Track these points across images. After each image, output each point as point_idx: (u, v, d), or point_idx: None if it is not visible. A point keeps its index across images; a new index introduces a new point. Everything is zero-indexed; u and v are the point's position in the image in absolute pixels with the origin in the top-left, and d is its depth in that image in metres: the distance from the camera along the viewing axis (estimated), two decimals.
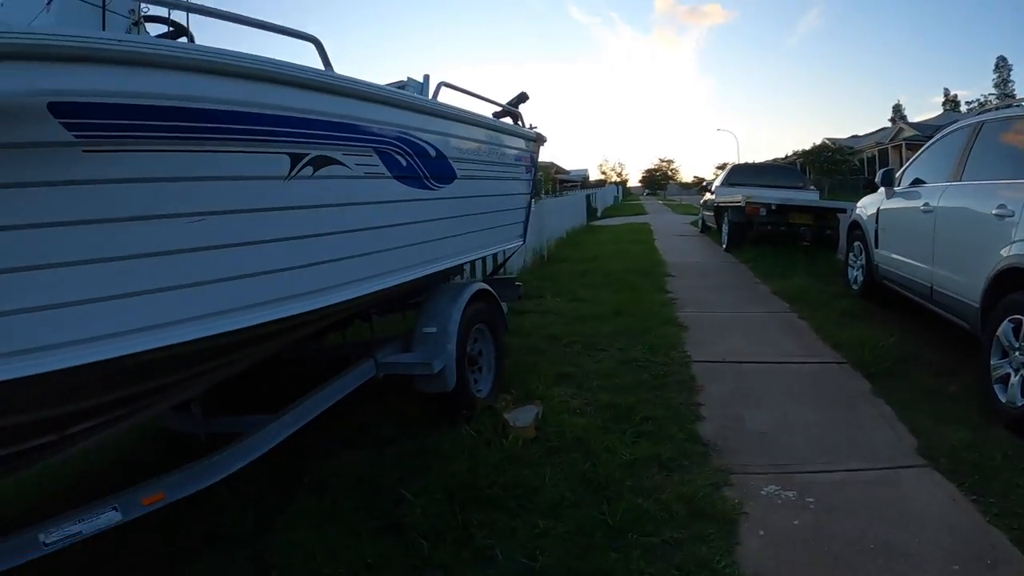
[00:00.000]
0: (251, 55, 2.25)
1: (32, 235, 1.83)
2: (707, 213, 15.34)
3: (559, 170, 42.80)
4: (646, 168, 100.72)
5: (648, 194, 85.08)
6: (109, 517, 2.23)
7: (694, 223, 19.34)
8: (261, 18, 2.39)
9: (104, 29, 2.76)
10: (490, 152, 4.36)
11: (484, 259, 6.04)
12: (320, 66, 2.65)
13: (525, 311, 6.83)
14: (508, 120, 5.03)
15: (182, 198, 2.13)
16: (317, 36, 2.59)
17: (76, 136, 1.85)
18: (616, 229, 18.59)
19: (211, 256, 2.20)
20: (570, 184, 48.85)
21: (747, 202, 10.90)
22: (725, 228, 12.18)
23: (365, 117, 2.84)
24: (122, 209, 2.01)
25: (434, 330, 3.60)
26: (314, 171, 2.52)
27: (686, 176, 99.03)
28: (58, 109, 1.79)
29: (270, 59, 2.32)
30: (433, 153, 3.43)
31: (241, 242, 2.32)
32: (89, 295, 1.93)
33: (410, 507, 2.86)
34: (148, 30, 3.18)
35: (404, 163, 3.14)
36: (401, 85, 4.99)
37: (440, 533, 2.67)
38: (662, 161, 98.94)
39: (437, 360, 3.47)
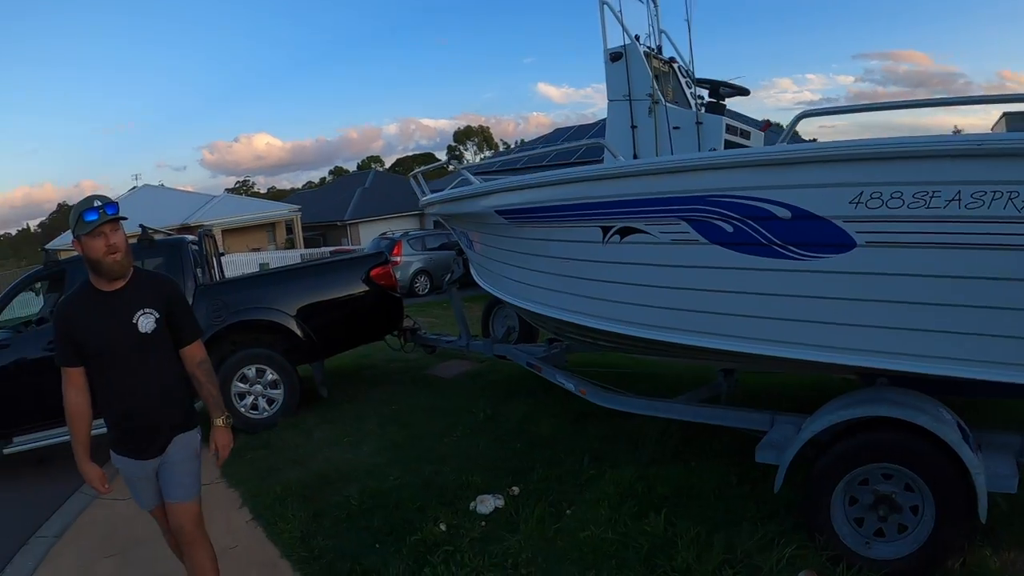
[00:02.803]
0: (574, 171, 3.64)
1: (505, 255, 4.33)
2: None
3: None
4: None
5: None
6: (568, 386, 4.63)
7: None
8: None
9: (632, 114, 4.45)
10: (976, 201, 2.46)
11: None
12: None
13: None
14: None
15: (544, 247, 3.98)
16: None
17: (508, 221, 4.12)
18: None
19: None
20: None
21: None
22: None
23: (661, 191, 3.18)
24: (518, 248, 4.25)
25: (808, 424, 3.12)
26: (621, 238, 3.40)
27: None
28: (498, 213, 4.15)
29: (579, 169, 3.60)
30: (785, 215, 2.82)
31: (569, 275, 3.92)
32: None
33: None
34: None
35: (729, 229, 3.00)
36: None
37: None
38: None
39: (765, 452, 3.23)
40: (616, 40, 4.72)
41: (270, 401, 6.42)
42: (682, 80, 5.17)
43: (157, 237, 6.55)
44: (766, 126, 4.78)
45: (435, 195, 5.59)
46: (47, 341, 5.72)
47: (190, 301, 6.17)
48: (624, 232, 3.43)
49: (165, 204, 34.37)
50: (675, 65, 5.15)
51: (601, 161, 4.55)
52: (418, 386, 7.24)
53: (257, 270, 21.37)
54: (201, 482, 2.99)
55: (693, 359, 4.12)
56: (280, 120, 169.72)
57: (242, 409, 6.30)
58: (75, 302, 2.82)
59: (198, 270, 6.46)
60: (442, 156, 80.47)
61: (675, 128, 4.74)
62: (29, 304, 6.83)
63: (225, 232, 32.19)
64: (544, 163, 13.11)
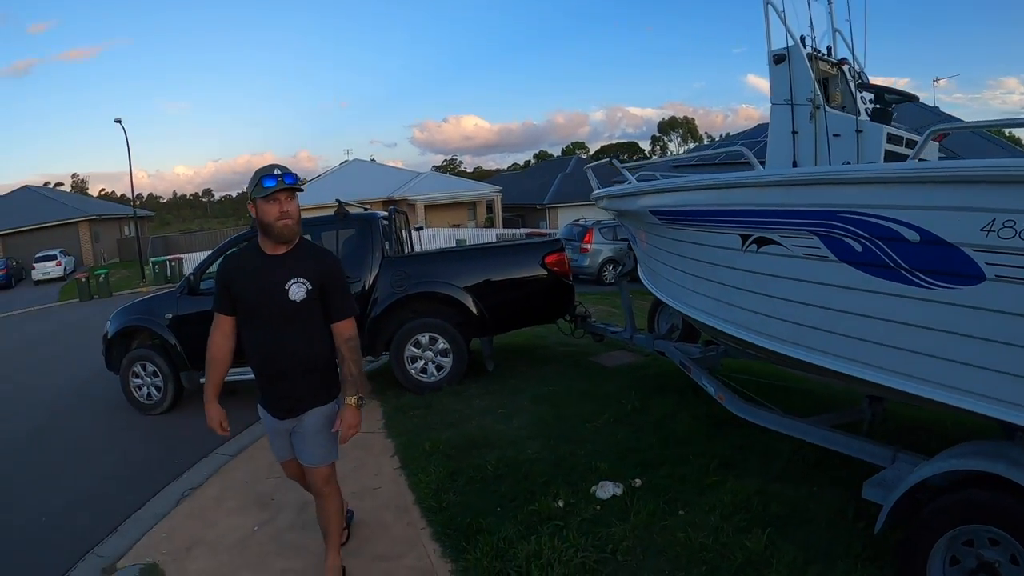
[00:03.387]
0: (717, 177, 3.65)
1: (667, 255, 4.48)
2: None
3: None
4: None
5: None
6: (709, 389, 4.65)
7: None
8: None
9: (793, 119, 4.27)
10: None
11: None
12: None
13: None
14: None
15: (692, 250, 4.03)
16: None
17: (661, 221, 4.23)
18: None
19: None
20: None
21: None
22: None
23: (794, 203, 3.07)
24: (670, 248, 4.36)
25: (921, 467, 2.83)
26: (758, 248, 3.39)
27: None
28: (652, 212, 4.31)
29: (720, 176, 3.59)
30: (914, 237, 2.57)
31: (713, 279, 3.92)
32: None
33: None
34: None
35: (857, 247, 2.83)
36: None
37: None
38: None
39: (872, 489, 3.03)
40: (783, 41, 4.57)
41: (439, 367, 7.09)
42: (852, 84, 4.84)
43: (352, 211, 7.45)
44: (940, 136, 4.40)
45: (603, 190, 5.81)
46: None
47: (376, 271, 7.03)
48: (760, 242, 3.41)
49: (373, 178, 37.82)
50: (845, 67, 4.86)
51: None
52: (579, 370, 7.55)
53: (453, 245, 22.91)
54: (336, 447, 3.24)
55: (827, 379, 3.98)
56: (489, 102, 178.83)
57: (412, 371, 7.04)
58: (240, 258, 3.07)
59: (386, 243, 7.26)
60: (646, 146, 79.93)
61: (835, 136, 4.51)
62: None
63: (428, 207, 34.80)
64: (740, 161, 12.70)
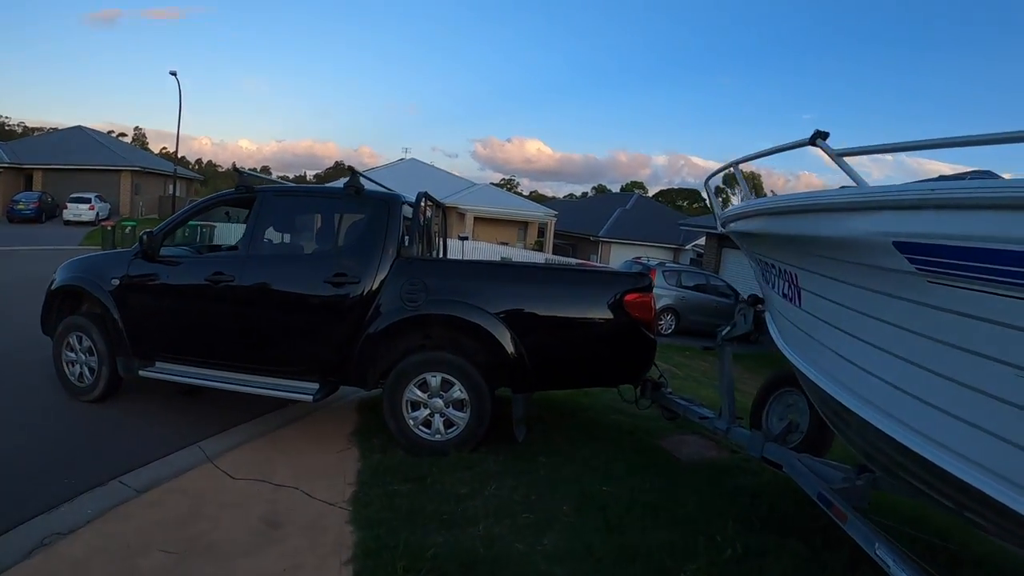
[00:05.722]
0: None
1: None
2: None
3: None
4: None
5: None
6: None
7: None
8: None
9: None
10: None
11: None
12: None
13: None
14: None
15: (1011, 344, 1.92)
16: None
17: (918, 268, 2.20)
18: None
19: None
20: None
21: None
22: None
23: None
24: (961, 339, 2.12)
25: None
26: None
27: None
28: (900, 246, 2.25)
29: None
30: None
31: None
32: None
33: None
34: None
35: None
36: None
37: None
38: None
39: None
40: None
41: (448, 423, 5.06)
42: None
43: (369, 188, 5.52)
44: None
45: (762, 201, 3.73)
46: (212, 272, 5.23)
47: (384, 273, 5.09)
48: None
49: (426, 179, 36.48)
50: None
51: None
52: (644, 460, 5.35)
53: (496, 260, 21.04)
54: None
55: None
56: (555, 130, 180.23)
57: (411, 422, 5.04)
58: None
59: (407, 238, 5.31)
60: (705, 195, 79.71)
61: None
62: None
63: (478, 219, 33.49)
64: None
